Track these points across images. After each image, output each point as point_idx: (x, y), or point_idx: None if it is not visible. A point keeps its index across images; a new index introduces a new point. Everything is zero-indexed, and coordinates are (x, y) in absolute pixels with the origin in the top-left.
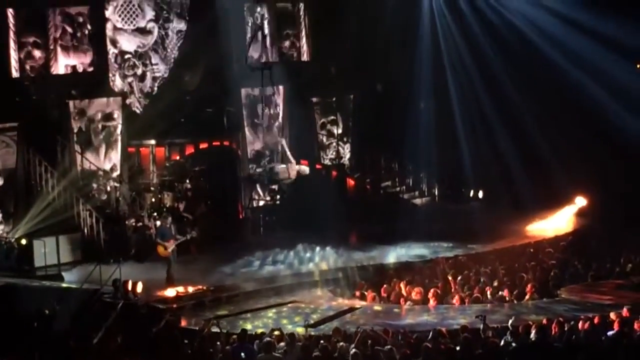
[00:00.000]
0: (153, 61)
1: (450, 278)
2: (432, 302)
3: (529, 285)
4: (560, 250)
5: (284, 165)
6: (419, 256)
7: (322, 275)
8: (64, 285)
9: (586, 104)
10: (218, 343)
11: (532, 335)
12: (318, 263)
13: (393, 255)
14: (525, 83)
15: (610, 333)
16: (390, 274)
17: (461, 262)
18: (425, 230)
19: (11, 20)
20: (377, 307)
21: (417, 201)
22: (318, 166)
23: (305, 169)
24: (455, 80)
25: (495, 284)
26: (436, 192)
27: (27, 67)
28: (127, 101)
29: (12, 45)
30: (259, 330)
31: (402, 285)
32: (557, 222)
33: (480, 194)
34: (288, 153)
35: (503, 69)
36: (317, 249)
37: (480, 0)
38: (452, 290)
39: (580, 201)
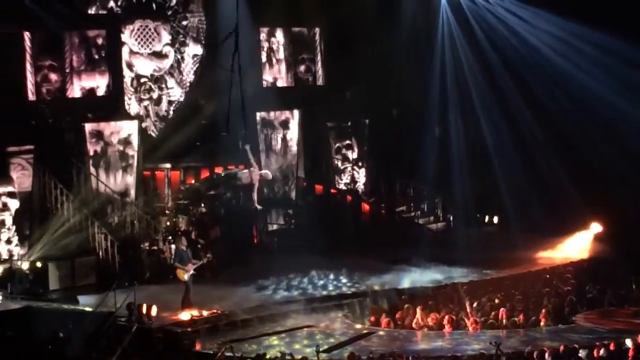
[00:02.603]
0: (169, 85)
1: (465, 304)
2: (446, 328)
3: (544, 311)
4: (575, 276)
5: (246, 171)
6: (433, 281)
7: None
8: (79, 308)
9: (603, 126)
10: None
11: None
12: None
13: (408, 280)
14: (540, 106)
15: None
16: (405, 299)
17: (476, 287)
18: (440, 256)
19: (28, 43)
20: (391, 333)
21: (432, 226)
22: (333, 191)
23: (268, 173)
24: (468, 104)
25: (510, 309)
26: (451, 218)
27: (44, 90)
28: (143, 125)
29: (28, 68)
30: (273, 355)
31: (416, 310)
32: (572, 248)
33: (496, 219)
34: (252, 159)
35: (516, 92)
36: (331, 275)
37: (496, 27)
38: (467, 315)
39: (596, 227)
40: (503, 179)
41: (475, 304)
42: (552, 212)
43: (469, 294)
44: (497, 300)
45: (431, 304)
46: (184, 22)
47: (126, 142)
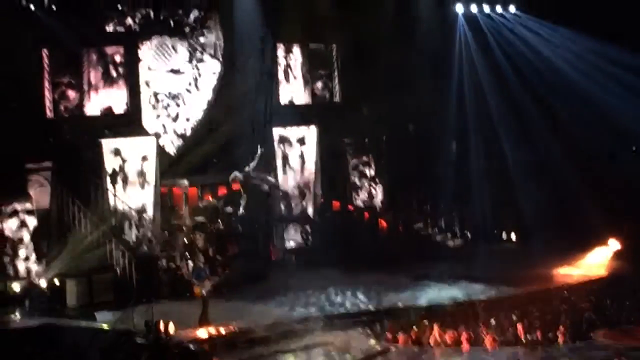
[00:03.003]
0: (186, 102)
1: (483, 321)
2: (464, 345)
3: (562, 328)
4: (593, 293)
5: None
6: (451, 298)
7: None
8: (97, 325)
9: (621, 142)
10: None
11: None
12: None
13: (425, 297)
14: (558, 122)
15: None
16: (423, 316)
17: (494, 304)
18: (457, 272)
19: (46, 60)
20: (409, 350)
21: (450, 243)
22: (350, 207)
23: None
24: (486, 120)
25: (528, 326)
26: (469, 234)
27: (61, 107)
28: (160, 141)
29: (46, 85)
30: None
31: (434, 327)
32: (590, 265)
33: (513, 236)
34: (255, 161)
35: (535, 108)
36: (349, 291)
37: (514, 43)
38: (485, 333)
39: (614, 244)
40: (521, 196)
41: (493, 321)
42: (571, 229)
43: (487, 311)
44: (514, 318)
45: (449, 321)
46: (202, 39)
47: (144, 158)
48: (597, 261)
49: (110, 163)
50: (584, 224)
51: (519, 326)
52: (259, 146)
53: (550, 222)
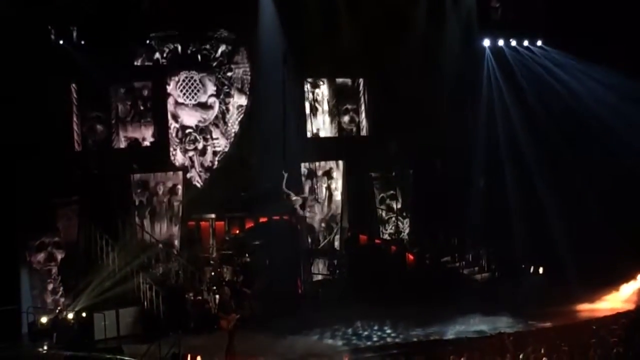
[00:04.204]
0: (214, 135)
1: (510, 355)
2: None
3: None
4: (623, 327)
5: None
6: (478, 332)
7: None
8: (125, 359)
9: None
10: None
11: None
12: None
13: (452, 331)
14: (587, 157)
15: None
16: (450, 350)
17: (522, 338)
18: (485, 306)
19: (74, 95)
20: None
21: (477, 277)
22: (377, 241)
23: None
24: (515, 155)
25: None
26: (496, 268)
27: (90, 141)
28: (188, 175)
29: (75, 119)
30: None
31: None
32: (620, 299)
33: (541, 270)
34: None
35: (562, 142)
36: (376, 325)
37: (541, 77)
38: None
39: None
40: (550, 230)
41: (521, 355)
42: (599, 263)
43: (515, 345)
44: (542, 351)
45: (476, 355)
46: (229, 74)
47: (171, 192)
48: (626, 295)
49: (138, 196)
50: (613, 259)
51: None
52: (283, 171)
53: (579, 256)
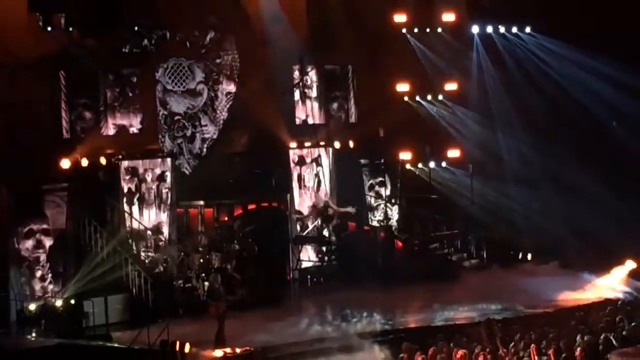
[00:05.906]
0: (202, 122)
1: (498, 341)
2: None
3: (579, 350)
4: (610, 314)
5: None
6: (467, 318)
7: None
8: (113, 345)
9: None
10: None
11: None
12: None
13: (441, 317)
14: (573, 144)
15: None
16: (439, 336)
17: (510, 325)
18: (473, 293)
19: (62, 82)
20: None
21: (466, 263)
22: (366, 227)
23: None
24: (505, 141)
25: (545, 347)
26: (485, 255)
27: (78, 128)
28: (177, 162)
29: (63, 106)
30: None
31: (450, 347)
32: (607, 285)
33: (529, 256)
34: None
35: (551, 130)
36: (365, 312)
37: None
38: (501, 353)
39: (631, 264)
40: (539, 216)
41: (509, 342)
42: (587, 249)
43: (503, 331)
44: (532, 337)
45: (464, 342)
46: (218, 60)
47: (160, 179)
48: (614, 281)
49: (127, 183)
50: (601, 244)
51: (533, 347)
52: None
53: (566, 242)
